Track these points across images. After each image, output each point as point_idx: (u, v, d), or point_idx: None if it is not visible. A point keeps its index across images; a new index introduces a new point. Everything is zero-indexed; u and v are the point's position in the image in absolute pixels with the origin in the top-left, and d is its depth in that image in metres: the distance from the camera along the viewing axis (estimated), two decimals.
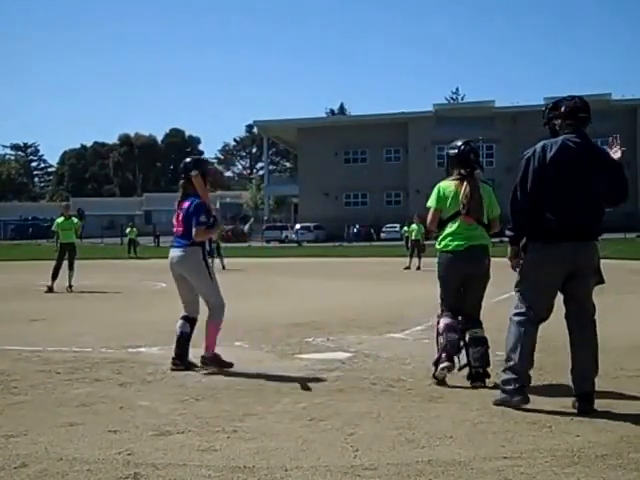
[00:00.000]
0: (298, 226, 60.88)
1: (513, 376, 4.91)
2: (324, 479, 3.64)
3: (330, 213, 61.67)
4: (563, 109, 5.05)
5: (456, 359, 5.92)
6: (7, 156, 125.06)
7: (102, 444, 4.23)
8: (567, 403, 4.96)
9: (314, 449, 4.11)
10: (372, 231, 57.79)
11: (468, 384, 5.74)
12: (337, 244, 51.72)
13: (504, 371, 5.00)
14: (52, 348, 7.73)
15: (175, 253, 6.63)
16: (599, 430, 4.40)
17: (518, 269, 5.08)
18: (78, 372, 6.42)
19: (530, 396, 5.04)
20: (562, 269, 4.90)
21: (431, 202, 6.07)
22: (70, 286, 15.63)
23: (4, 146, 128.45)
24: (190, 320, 6.64)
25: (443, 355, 5.86)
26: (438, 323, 6.03)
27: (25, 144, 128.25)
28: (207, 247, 6.72)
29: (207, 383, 5.99)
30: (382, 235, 56.54)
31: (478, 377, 5.76)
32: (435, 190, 6.09)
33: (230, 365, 6.50)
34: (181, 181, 6.79)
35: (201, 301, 6.63)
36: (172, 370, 6.45)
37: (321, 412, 4.95)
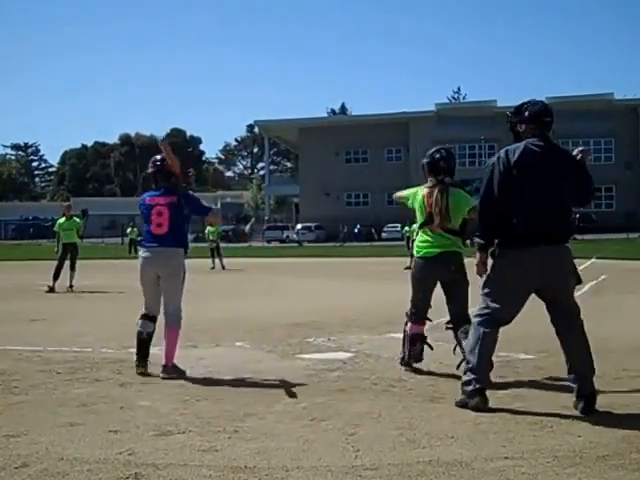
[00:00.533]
0: (299, 226, 60.91)
1: (472, 377, 4.89)
2: (325, 479, 3.64)
3: (331, 213, 61.66)
4: (527, 114, 5.05)
5: (452, 353, 6.17)
6: (8, 156, 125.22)
7: (103, 444, 4.23)
8: (568, 403, 4.95)
9: (315, 449, 4.11)
10: (373, 231, 57.78)
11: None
12: (334, 244, 51.64)
13: (464, 372, 5.00)
14: (52, 348, 7.72)
15: (156, 253, 6.31)
16: (601, 430, 4.40)
17: (485, 274, 5.06)
18: (79, 372, 6.42)
19: (531, 396, 5.04)
20: (530, 275, 4.86)
21: (406, 192, 6.58)
22: (71, 286, 15.63)
23: (5, 146, 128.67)
24: (153, 319, 6.46)
25: (409, 359, 6.35)
26: (406, 324, 6.42)
27: (26, 144, 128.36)
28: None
29: (208, 383, 5.99)
30: (383, 235, 56.53)
31: None
32: (413, 190, 6.50)
33: (184, 373, 6.27)
34: (149, 173, 6.52)
35: None
36: (141, 375, 6.22)
37: (322, 412, 4.94)
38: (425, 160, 6.37)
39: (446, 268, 6.13)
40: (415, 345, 6.32)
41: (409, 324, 6.39)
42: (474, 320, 5.07)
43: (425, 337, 6.42)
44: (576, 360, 4.89)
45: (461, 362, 5.86)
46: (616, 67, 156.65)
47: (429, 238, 6.22)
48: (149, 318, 6.48)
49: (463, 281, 6.17)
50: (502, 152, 4.98)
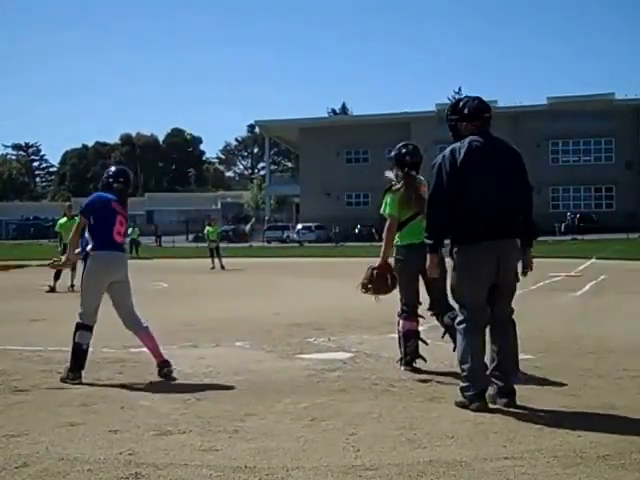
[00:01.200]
0: (299, 226, 60.86)
1: (469, 383, 4.91)
2: (325, 479, 3.64)
3: (332, 213, 61.60)
4: (466, 111, 5.08)
5: (447, 341, 6.22)
6: (9, 156, 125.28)
7: (103, 444, 4.23)
8: (569, 403, 4.95)
9: (315, 449, 4.11)
10: (374, 231, 57.70)
11: None
12: (334, 245, 51.63)
13: (461, 379, 5.00)
14: (53, 348, 7.72)
15: (118, 257, 6.39)
16: (601, 430, 4.39)
17: (452, 278, 5.09)
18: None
19: (531, 396, 5.03)
20: (489, 267, 4.91)
21: (391, 210, 6.41)
22: (72, 285, 15.62)
23: (6, 146, 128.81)
24: (92, 329, 6.31)
25: (406, 357, 6.36)
26: (399, 324, 6.44)
27: (27, 144, 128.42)
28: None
29: (208, 383, 5.99)
30: (384, 235, 56.38)
31: None
32: (389, 198, 6.45)
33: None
34: (119, 185, 6.46)
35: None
36: (79, 384, 5.97)
37: (322, 412, 4.95)
38: (392, 154, 6.57)
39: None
40: (409, 342, 6.35)
41: (401, 322, 6.42)
42: (458, 328, 5.08)
43: (418, 332, 6.43)
44: (505, 357, 4.98)
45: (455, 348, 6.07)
46: (617, 67, 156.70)
47: (415, 226, 6.26)
48: (88, 328, 6.30)
49: (443, 268, 6.15)
50: (447, 152, 5.01)
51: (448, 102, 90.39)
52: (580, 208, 57.73)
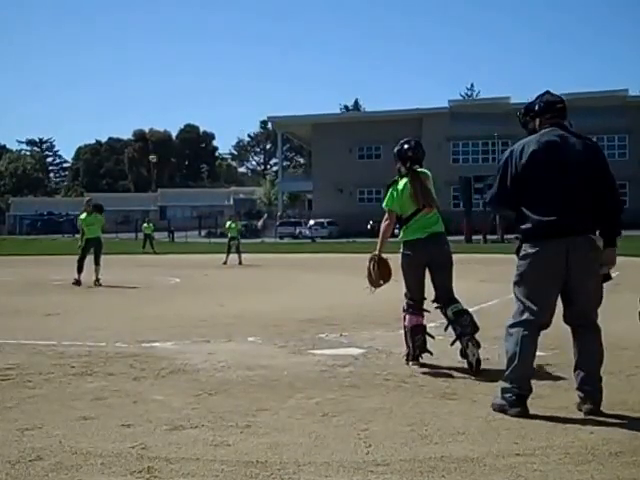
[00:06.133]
0: (312, 222, 60.88)
1: (512, 385, 4.71)
2: (337, 474, 3.65)
3: (344, 209, 61.63)
4: (537, 107, 4.95)
5: (448, 333, 6.38)
6: (23, 151, 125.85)
7: (116, 438, 4.25)
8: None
9: (327, 444, 4.12)
10: None
11: (481, 380, 5.74)
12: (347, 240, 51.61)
13: (504, 379, 4.80)
14: (67, 342, 7.77)
15: None
16: (613, 427, 4.38)
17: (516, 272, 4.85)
18: (92, 366, 6.45)
19: (542, 393, 5.02)
20: (556, 267, 4.68)
21: (387, 203, 6.53)
22: (97, 279, 15.77)
23: (20, 142, 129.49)
24: None
25: (415, 352, 6.36)
26: (405, 319, 6.45)
27: (41, 139, 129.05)
28: None
29: (220, 378, 6.01)
30: (395, 232, 56.31)
31: (472, 341, 6.11)
32: (389, 192, 6.53)
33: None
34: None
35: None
36: None
37: (334, 408, 4.95)
38: (395, 149, 6.66)
39: (436, 248, 6.35)
40: (417, 336, 6.35)
41: (407, 317, 6.43)
42: (512, 326, 4.80)
43: (425, 327, 6.44)
44: (585, 361, 4.77)
45: (455, 340, 6.26)
46: (631, 63, 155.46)
47: (420, 221, 6.36)
48: None
49: (449, 261, 6.41)
50: (517, 147, 4.83)
51: (460, 98, 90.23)
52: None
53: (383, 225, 6.57)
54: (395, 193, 6.47)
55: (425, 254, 6.32)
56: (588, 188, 4.74)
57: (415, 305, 6.41)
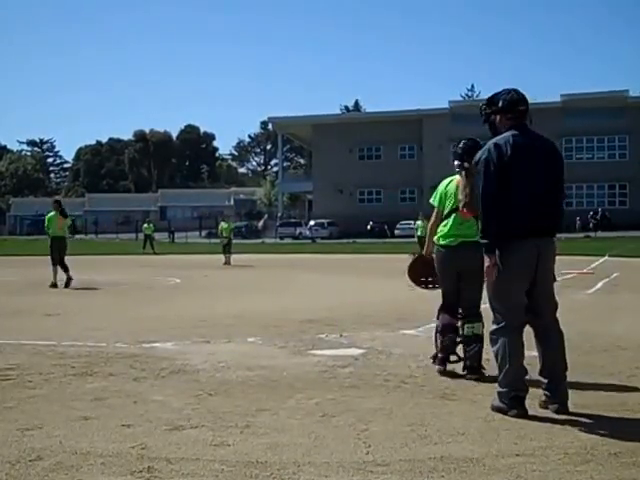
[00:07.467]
0: (312, 223, 60.89)
1: (509, 387, 4.75)
2: (336, 475, 3.65)
3: (344, 210, 61.63)
4: (501, 103, 4.94)
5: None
6: (23, 152, 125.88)
7: (116, 438, 4.26)
8: (580, 401, 4.94)
9: (326, 445, 4.12)
10: (386, 228, 57.70)
11: (480, 381, 5.75)
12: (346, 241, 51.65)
13: (499, 384, 4.83)
14: (67, 342, 7.78)
15: None
16: (613, 428, 4.38)
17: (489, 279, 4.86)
18: (92, 367, 6.46)
19: (541, 392, 5.02)
20: (529, 266, 4.75)
21: (433, 199, 6.37)
22: (67, 281, 15.48)
23: (20, 142, 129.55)
24: None
25: (439, 355, 6.16)
26: (438, 317, 6.31)
27: (41, 140, 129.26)
28: None
29: (220, 378, 6.01)
30: (396, 232, 56.41)
31: (473, 371, 5.95)
32: (438, 188, 6.37)
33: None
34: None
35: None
36: None
37: (334, 408, 4.96)
38: (452, 149, 6.54)
39: (467, 257, 5.92)
40: (445, 336, 6.14)
41: (440, 316, 6.26)
42: (492, 329, 4.87)
43: (457, 328, 6.18)
44: (550, 361, 4.82)
45: (457, 360, 6.11)
46: (630, 64, 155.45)
47: (452, 225, 6.14)
48: None
49: (480, 271, 6.04)
50: (491, 146, 4.82)
51: (461, 99, 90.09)
52: (593, 205, 57.40)
53: (429, 225, 6.44)
54: (442, 188, 6.30)
55: (454, 263, 6.09)
56: (554, 190, 4.87)
57: (447, 304, 6.25)
